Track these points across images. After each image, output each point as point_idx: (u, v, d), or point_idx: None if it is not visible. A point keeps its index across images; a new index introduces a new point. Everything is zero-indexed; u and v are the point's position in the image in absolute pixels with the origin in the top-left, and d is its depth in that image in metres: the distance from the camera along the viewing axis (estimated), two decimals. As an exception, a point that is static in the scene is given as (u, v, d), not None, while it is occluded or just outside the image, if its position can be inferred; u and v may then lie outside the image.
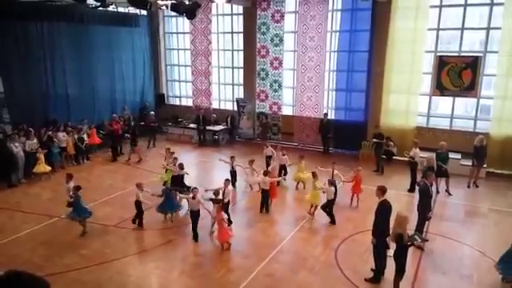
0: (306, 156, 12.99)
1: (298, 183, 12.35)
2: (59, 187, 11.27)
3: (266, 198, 10.61)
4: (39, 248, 8.86)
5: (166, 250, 8.74)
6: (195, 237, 9.21)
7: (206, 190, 9.95)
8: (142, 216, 9.79)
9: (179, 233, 9.57)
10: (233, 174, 12.07)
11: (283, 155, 12.60)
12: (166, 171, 11.59)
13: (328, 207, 9.90)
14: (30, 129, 13.54)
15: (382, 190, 7.56)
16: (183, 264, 8.35)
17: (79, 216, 9.39)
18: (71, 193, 9.47)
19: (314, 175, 10.31)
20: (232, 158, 12.25)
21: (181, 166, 11.24)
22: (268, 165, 13.12)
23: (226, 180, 10.08)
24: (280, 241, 9.23)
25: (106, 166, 14.96)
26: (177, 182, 11.13)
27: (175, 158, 11.74)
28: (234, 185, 11.95)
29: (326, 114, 16.12)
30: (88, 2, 13.47)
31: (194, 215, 9.23)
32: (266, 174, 10.72)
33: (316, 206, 10.20)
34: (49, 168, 13.17)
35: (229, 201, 10.04)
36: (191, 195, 9.28)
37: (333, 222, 9.94)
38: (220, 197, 9.54)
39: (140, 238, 9.40)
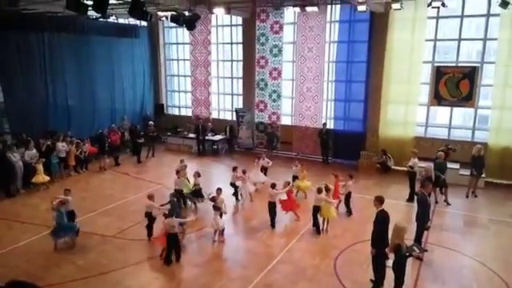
0: (305, 166, 13.05)
1: (297, 191, 12.34)
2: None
3: (273, 211, 10.51)
4: (37, 258, 8.83)
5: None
6: (168, 260, 8.51)
7: (202, 200, 10.37)
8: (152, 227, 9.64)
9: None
10: (233, 185, 12.08)
11: (296, 166, 12.72)
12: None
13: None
14: (30, 139, 13.56)
15: (379, 200, 7.57)
16: (183, 274, 8.33)
17: (64, 233, 9.19)
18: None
19: (327, 189, 10.23)
20: (235, 168, 12.28)
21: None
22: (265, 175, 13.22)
23: (218, 189, 10.14)
24: (279, 251, 9.21)
25: (105, 175, 14.97)
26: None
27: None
28: (236, 196, 12.00)
29: (324, 124, 16.18)
30: (88, 13, 13.57)
31: (171, 238, 8.46)
32: (273, 186, 10.65)
33: (328, 220, 10.18)
34: (47, 178, 13.15)
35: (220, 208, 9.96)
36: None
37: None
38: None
39: (139, 248, 9.35)
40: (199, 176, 11.57)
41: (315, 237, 9.93)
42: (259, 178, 12.90)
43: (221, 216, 9.76)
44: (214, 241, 9.59)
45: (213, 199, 9.80)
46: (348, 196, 11.17)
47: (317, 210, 10.04)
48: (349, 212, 11.10)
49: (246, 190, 11.83)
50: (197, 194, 11.41)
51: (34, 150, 13.30)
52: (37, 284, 2.38)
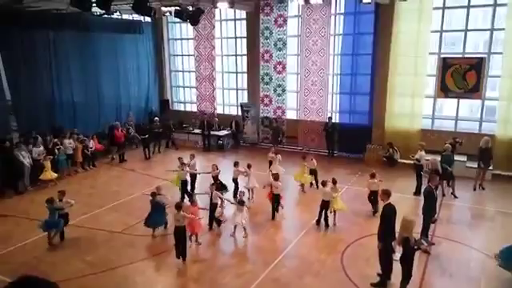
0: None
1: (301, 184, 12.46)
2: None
3: (277, 203, 10.59)
4: (46, 255, 8.93)
5: (172, 256, 8.68)
6: (183, 256, 8.44)
7: (195, 194, 10.49)
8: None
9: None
10: (235, 181, 12.04)
11: (311, 160, 12.54)
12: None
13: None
14: (38, 136, 13.66)
15: (386, 194, 7.55)
16: (190, 269, 8.36)
17: (49, 228, 9.28)
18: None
19: (335, 181, 10.22)
20: (236, 163, 12.24)
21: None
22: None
23: (212, 184, 10.27)
24: (286, 245, 9.23)
25: (111, 172, 15.05)
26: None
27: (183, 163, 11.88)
28: (235, 194, 11.95)
29: (330, 118, 16.11)
30: (93, 9, 13.62)
31: (179, 232, 8.36)
32: (276, 178, 10.69)
33: (335, 212, 10.12)
34: (55, 175, 13.26)
35: (216, 203, 10.00)
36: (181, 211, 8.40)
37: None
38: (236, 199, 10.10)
39: (146, 244, 9.41)
40: (217, 169, 11.76)
41: (321, 231, 9.92)
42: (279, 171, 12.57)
43: (214, 211, 9.91)
44: (244, 236, 9.62)
45: (239, 195, 10.04)
46: (374, 195, 10.50)
47: (325, 205, 9.95)
48: (373, 211, 10.60)
49: (250, 184, 11.73)
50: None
51: (42, 148, 13.39)
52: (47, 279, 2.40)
